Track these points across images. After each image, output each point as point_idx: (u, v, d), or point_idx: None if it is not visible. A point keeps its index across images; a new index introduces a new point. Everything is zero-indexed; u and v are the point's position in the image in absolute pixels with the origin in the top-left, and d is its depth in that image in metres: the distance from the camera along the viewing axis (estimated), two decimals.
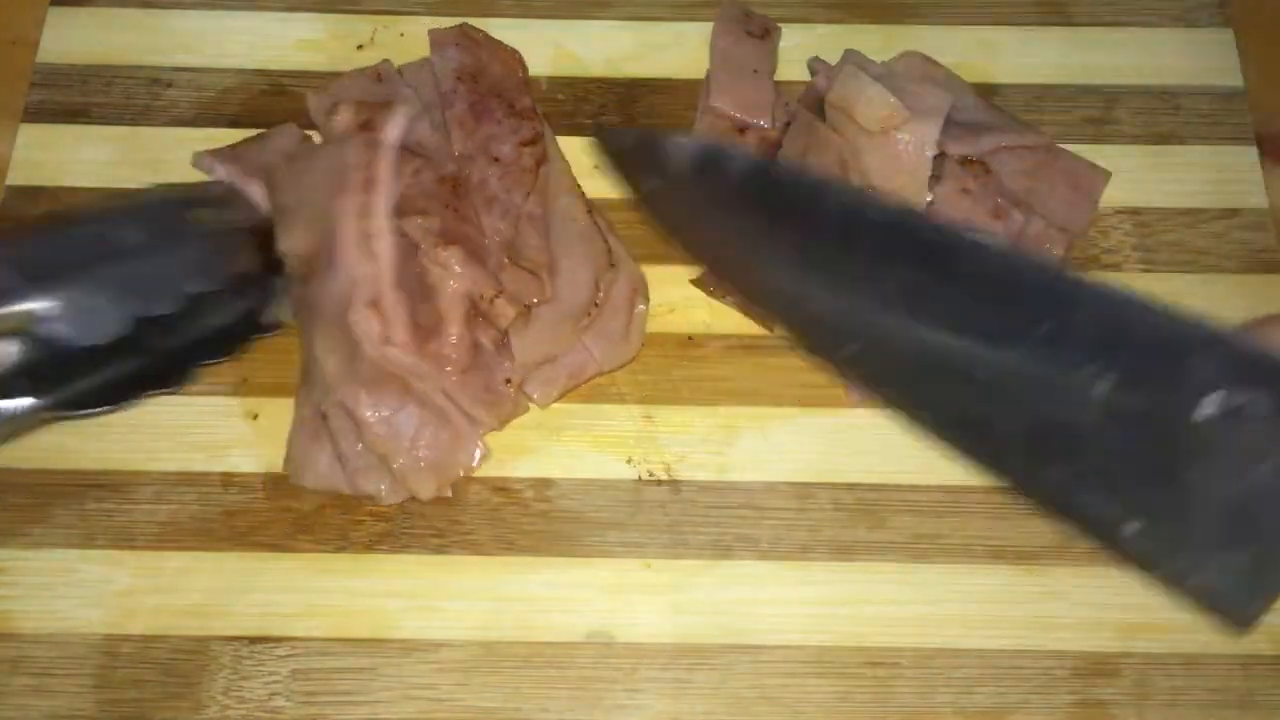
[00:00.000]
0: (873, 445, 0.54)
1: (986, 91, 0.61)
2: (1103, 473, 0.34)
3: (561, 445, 0.54)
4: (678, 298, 0.57)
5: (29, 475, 0.53)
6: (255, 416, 0.54)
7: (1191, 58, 0.63)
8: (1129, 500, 0.34)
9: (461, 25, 0.60)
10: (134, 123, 0.60)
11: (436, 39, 0.59)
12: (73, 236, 0.39)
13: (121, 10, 0.63)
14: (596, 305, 0.53)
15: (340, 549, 0.52)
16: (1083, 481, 0.35)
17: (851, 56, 0.59)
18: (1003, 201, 0.56)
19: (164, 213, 0.42)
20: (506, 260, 0.53)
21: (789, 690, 0.49)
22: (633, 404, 0.54)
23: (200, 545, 0.52)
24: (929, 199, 0.55)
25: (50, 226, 0.38)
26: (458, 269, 0.51)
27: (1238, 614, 0.33)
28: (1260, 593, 0.32)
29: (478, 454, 0.52)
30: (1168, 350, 0.32)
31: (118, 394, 0.46)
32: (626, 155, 0.48)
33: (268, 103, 0.61)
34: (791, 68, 0.62)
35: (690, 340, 0.56)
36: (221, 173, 0.53)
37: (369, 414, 0.49)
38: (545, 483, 0.53)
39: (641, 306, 0.55)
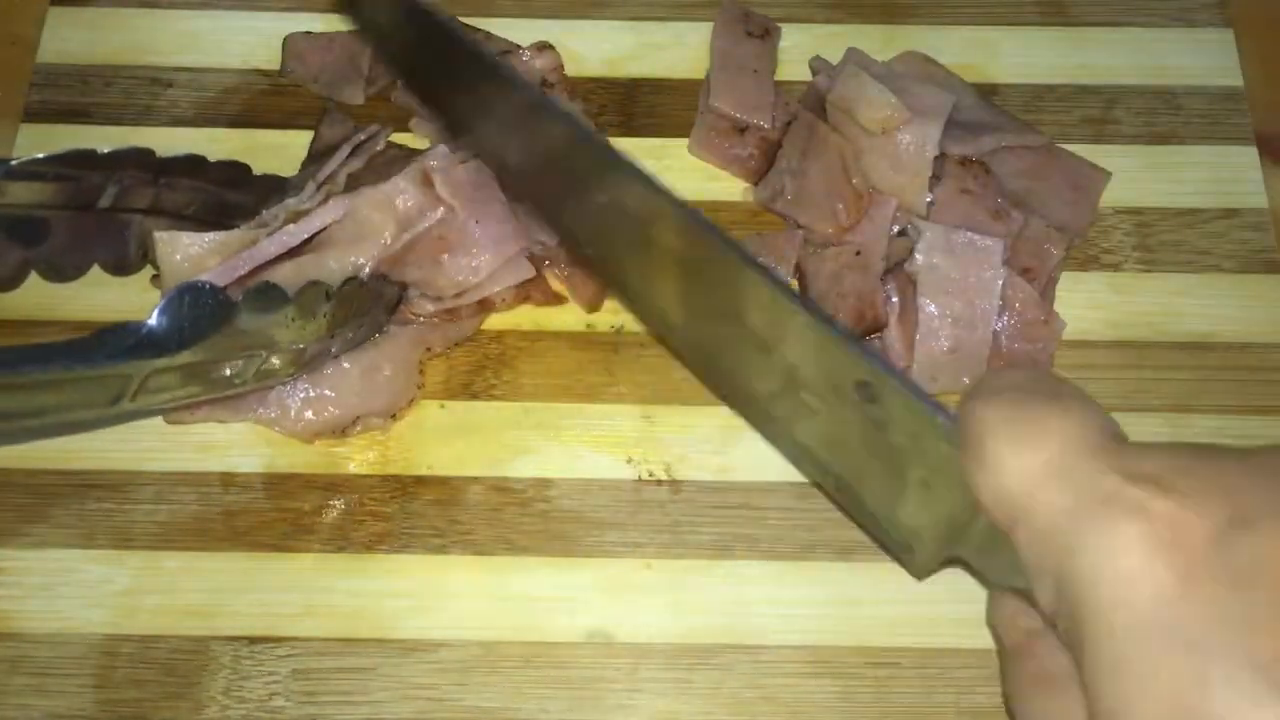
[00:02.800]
0: None
1: (986, 91, 0.61)
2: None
3: (561, 445, 0.54)
4: None
5: (29, 475, 0.53)
6: None
7: (1191, 57, 0.63)
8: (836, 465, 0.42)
9: None
10: (134, 123, 0.60)
11: None
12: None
13: (121, 10, 0.63)
14: None
15: (340, 549, 0.52)
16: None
17: (853, 56, 0.59)
18: (1003, 201, 0.56)
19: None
20: None
21: (789, 690, 0.49)
22: (633, 404, 0.54)
23: (200, 545, 0.52)
24: (929, 199, 0.55)
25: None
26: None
27: (916, 568, 0.41)
28: (931, 557, 0.39)
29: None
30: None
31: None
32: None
33: (268, 103, 0.61)
34: (791, 68, 0.62)
35: None
36: None
37: None
38: (545, 483, 0.53)
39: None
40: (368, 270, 0.52)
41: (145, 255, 0.56)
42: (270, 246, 0.52)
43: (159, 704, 0.49)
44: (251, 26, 0.63)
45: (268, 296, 0.48)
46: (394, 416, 0.53)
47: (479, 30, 0.62)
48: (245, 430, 0.53)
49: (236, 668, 0.49)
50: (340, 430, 0.53)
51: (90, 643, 0.50)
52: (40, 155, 0.52)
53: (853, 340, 0.38)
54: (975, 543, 0.34)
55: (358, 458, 0.53)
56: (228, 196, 0.56)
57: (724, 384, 0.46)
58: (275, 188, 0.56)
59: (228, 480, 0.53)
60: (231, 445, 0.53)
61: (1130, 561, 0.24)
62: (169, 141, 0.58)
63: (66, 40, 0.62)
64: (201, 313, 0.46)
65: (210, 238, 0.52)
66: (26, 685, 0.49)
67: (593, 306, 0.56)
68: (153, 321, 0.46)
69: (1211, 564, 0.23)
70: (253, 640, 0.50)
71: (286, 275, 0.51)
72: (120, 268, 0.56)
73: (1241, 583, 0.23)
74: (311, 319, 0.49)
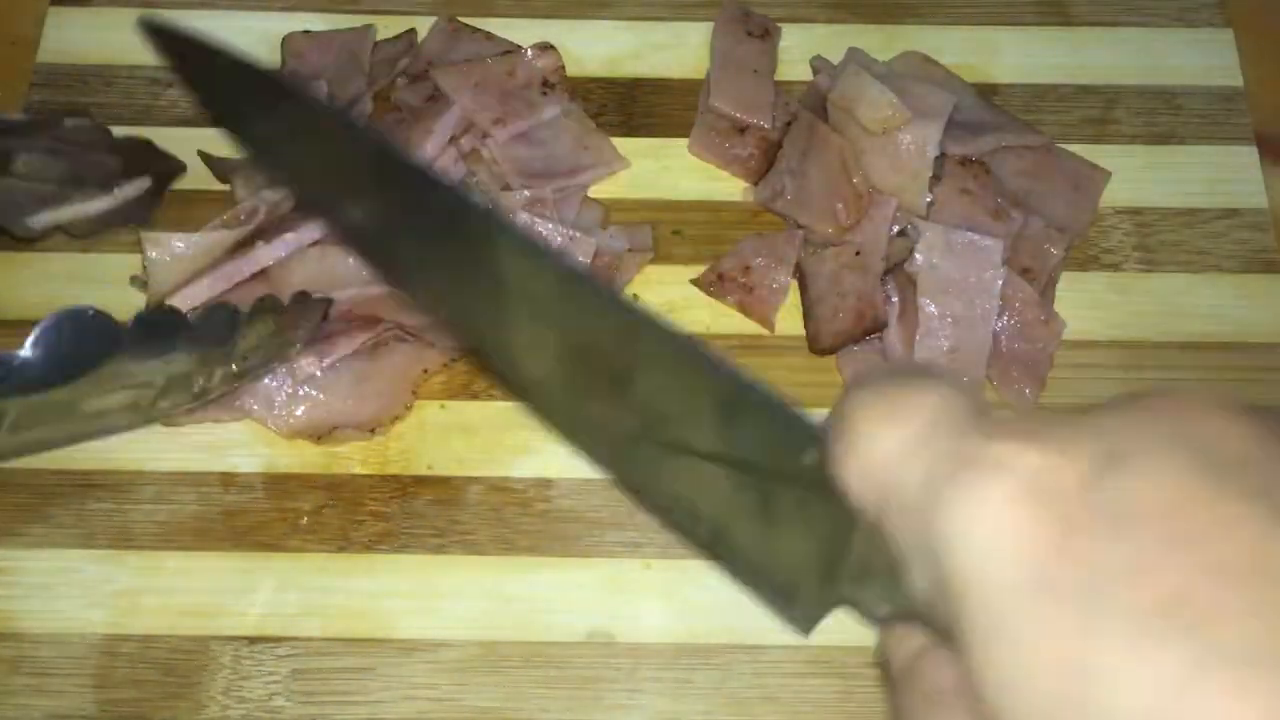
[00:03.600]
0: None
1: (986, 91, 0.61)
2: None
3: (561, 445, 0.53)
4: (678, 298, 0.57)
5: (29, 475, 0.53)
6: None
7: (1191, 57, 0.63)
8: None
9: None
10: (134, 123, 0.60)
11: None
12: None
13: (121, 10, 0.63)
14: None
15: (340, 549, 0.52)
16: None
17: (855, 56, 0.59)
18: (1003, 201, 0.56)
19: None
20: None
21: (789, 690, 0.49)
22: None
23: (200, 545, 0.52)
24: (929, 199, 0.55)
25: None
26: None
27: (801, 618, 0.36)
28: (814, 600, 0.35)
29: None
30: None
31: None
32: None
33: None
34: (791, 68, 0.62)
35: None
36: None
37: None
38: (545, 483, 0.53)
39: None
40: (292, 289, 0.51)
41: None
42: (278, 250, 0.52)
43: (159, 704, 0.49)
44: (251, 26, 0.63)
45: (162, 322, 0.45)
46: (373, 430, 0.53)
47: (479, 30, 0.62)
48: (245, 430, 0.53)
49: (236, 668, 0.49)
50: (318, 435, 0.53)
51: (90, 642, 0.50)
52: None
53: (706, 350, 0.35)
54: (852, 571, 0.32)
55: (358, 458, 0.53)
56: (90, 157, 0.52)
57: (586, 435, 0.43)
58: (142, 152, 0.53)
59: (228, 480, 0.53)
60: (231, 445, 0.53)
61: (996, 521, 0.22)
62: (169, 141, 0.59)
63: (66, 40, 0.62)
64: (84, 344, 0.42)
65: (198, 238, 0.52)
66: (26, 685, 0.49)
67: None
68: (24, 352, 0.42)
69: (1085, 510, 0.22)
70: (253, 640, 0.50)
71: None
72: None
73: (1118, 525, 0.21)
74: (215, 345, 0.46)
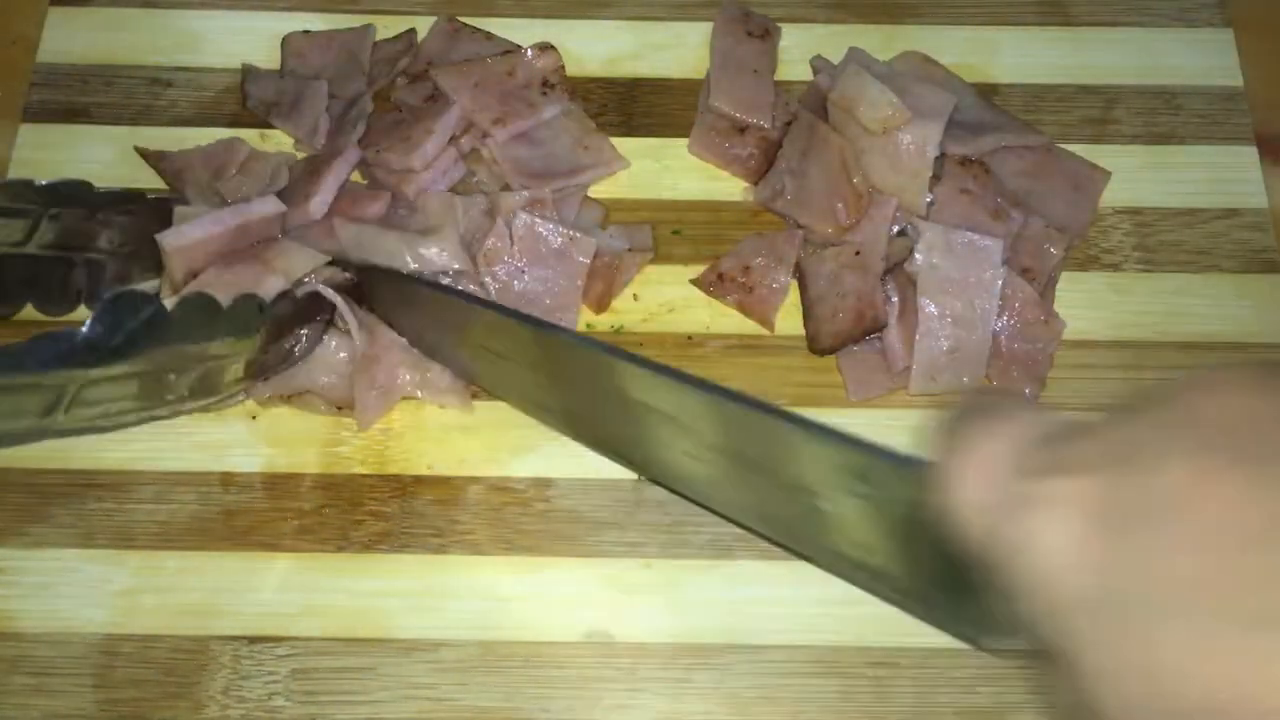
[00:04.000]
0: None
1: (986, 91, 0.61)
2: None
3: (561, 445, 0.54)
4: (678, 298, 0.57)
5: (29, 475, 0.53)
6: (254, 416, 0.54)
7: (1191, 58, 0.63)
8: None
9: None
10: (134, 123, 0.60)
11: None
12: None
13: (121, 10, 0.63)
14: None
15: (340, 549, 0.52)
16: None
17: (855, 56, 0.59)
18: (1002, 201, 0.56)
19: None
20: None
21: (789, 690, 0.49)
22: None
23: (200, 545, 0.52)
24: (929, 199, 0.55)
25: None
26: None
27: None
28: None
29: None
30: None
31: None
32: None
33: None
34: (791, 68, 0.62)
35: (690, 340, 0.56)
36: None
37: None
38: (545, 483, 0.53)
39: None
40: (305, 287, 0.52)
41: (79, 295, 0.55)
42: (265, 207, 0.52)
43: (159, 703, 0.49)
44: (251, 26, 0.63)
45: (201, 305, 0.47)
46: (340, 409, 0.53)
47: (479, 30, 0.62)
48: (245, 430, 0.53)
49: (236, 667, 0.49)
50: (288, 396, 0.53)
51: (90, 642, 0.50)
52: None
53: (828, 429, 0.39)
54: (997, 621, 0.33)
55: (358, 458, 0.53)
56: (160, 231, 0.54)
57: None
58: None
59: (228, 480, 0.53)
60: (231, 445, 0.53)
61: (1053, 552, 0.26)
62: (169, 141, 0.59)
63: (66, 40, 0.62)
64: (136, 321, 0.45)
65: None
66: (26, 685, 0.49)
67: (600, 306, 0.56)
68: (86, 329, 0.44)
69: (1118, 520, 0.25)
70: (252, 640, 0.50)
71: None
72: (51, 308, 0.55)
73: (1149, 528, 0.24)
74: (244, 333, 0.48)
